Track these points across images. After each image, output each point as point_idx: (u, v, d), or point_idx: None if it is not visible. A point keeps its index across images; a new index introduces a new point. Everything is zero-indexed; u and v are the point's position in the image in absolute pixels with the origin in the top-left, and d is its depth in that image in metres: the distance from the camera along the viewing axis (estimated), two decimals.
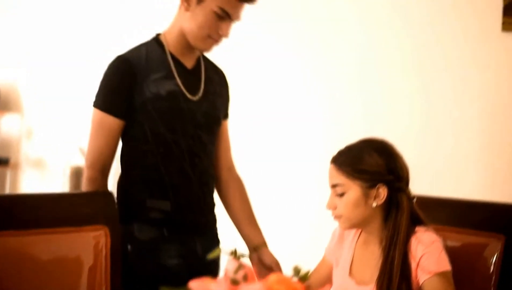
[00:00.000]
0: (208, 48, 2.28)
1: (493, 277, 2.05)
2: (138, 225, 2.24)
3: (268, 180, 3.44)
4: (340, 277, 2.03)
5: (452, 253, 1.95)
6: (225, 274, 1.17)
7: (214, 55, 2.35)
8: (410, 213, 1.93)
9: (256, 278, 1.20)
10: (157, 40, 2.33)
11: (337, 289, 2.02)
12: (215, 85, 2.37)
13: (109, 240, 2.10)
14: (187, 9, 2.23)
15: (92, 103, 2.30)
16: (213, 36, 2.23)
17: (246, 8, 2.22)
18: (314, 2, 3.32)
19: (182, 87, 2.26)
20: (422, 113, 3.00)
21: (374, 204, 1.91)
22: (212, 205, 2.36)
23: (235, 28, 2.23)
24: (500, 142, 2.81)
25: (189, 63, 2.31)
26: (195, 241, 2.28)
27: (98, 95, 2.29)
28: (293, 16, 3.40)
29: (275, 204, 3.42)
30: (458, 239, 2.13)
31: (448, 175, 2.86)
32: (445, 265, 1.88)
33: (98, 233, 2.10)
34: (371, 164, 1.90)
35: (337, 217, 1.95)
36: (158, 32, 2.34)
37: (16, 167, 4.67)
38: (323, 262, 2.13)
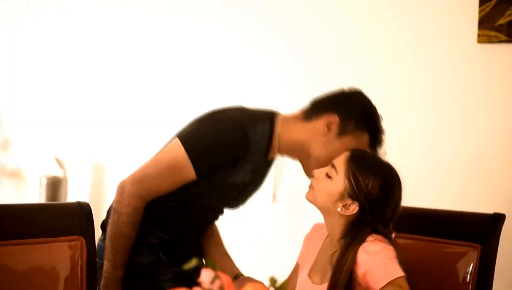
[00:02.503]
0: (310, 177, 2.14)
1: (470, 287, 2.06)
2: (137, 248, 2.19)
3: None
4: (301, 276, 2.05)
5: (429, 263, 1.97)
6: (201, 285, 1.16)
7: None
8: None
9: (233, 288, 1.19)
10: (271, 126, 2.16)
11: (297, 288, 2.04)
12: None
13: (85, 251, 2.08)
14: (324, 135, 2.12)
15: (182, 139, 2.12)
16: None
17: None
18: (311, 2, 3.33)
19: (251, 182, 2.23)
20: (400, 123, 3.00)
21: (339, 209, 1.92)
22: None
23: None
24: (475, 151, 2.82)
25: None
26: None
27: (196, 141, 2.12)
28: (290, 14, 3.40)
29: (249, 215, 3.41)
30: (435, 249, 2.14)
31: (424, 185, 2.87)
32: (395, 273, 1.85)
33: (74, 243, 2.07)
34: (367, 184, 1.90)
35: (311, 186, 1.99)
36: (276, 113, 2.20)
37: None
38: (296, 268, 2.14)
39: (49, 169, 4.16)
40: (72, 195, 4.10)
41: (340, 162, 1.95)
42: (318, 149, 2.13)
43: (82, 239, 2.08)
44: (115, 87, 3.97)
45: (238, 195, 2.26)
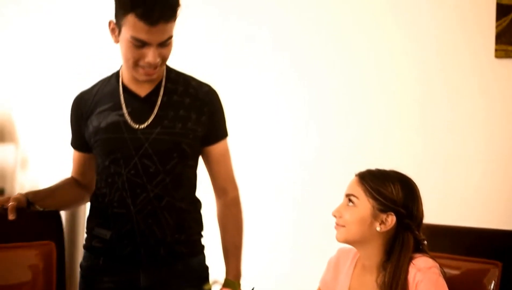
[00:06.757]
0: (142, 77, 2.21)
1: None
2: (84, 251, 2.34)
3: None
4: None
5: (450, 281, 1.95)
6: None
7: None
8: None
9: None
10: (118, 72, 2.34)
11: None
12: (180, 109, 2.27)
13: (55, 255, 2.24)
14: (116, 41, 2.21)
15: None
16: (141, 65, 2.17)
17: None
18: (312, 4, 3.33)
19: (126, 116, 2.24)
20: (417, 139, 2.99)
21: (378, 229, 1.92)
22: (168, 238, 2.26)
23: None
24: (493, 166, 2.80)
25: (143, 91, 2.27)
26: (138, 273, 2.26)
27: None
28: (289, 16, 3.40)
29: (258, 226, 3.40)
30: (456, 266, 2.12)
31: (444, 201, 2.85)
32: None
33: (46, 248, 2.24)
34: (391, 191, 1.94)
35: (339, 226, 1.97)
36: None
37: None
38: None
39: None
40: None
41: (354, 187, 1.97)
42: (122, 54, 2.20)
43: (53, 244, 2.25)
44: None
45: (125, 138, 2.24)
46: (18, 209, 2.22)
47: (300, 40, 3.35)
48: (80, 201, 2.55)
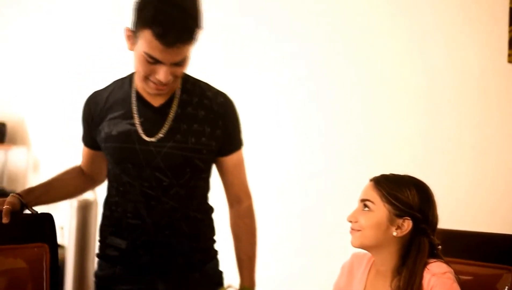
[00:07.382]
0: (152, 91, 2.15)
1: None
2: (99, 260, 2.34)
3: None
4: None
5: (463, 286, 1.95)
6: None
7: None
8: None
9: None
10: (132, 76, 2.27)
11: None
12: (195, 122, 2.22)
13: (48, 256, 2.25)
14: (130, 48, 2.14)
15: None
16: (152, 79, 2.11)
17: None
18: (313, 4, 3.33)
19: (138, 127, 2.19)
20: (425, 143, 2.99)
21: (395, 233, 1.93)
22: (185, 247, 2.26)
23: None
24: (506, 171, 2.80)
25: (157, 100, 2.22)
26: (156, 281, 2.26)
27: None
28: (289, 15, 3.41)
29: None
30: (469, 271, 2.12)
31: (457, 206, 2.85)
32: None
33: (39, 249, 2.25)
34: (407, 196, 1.94)
35: (355, 230, 1.97)
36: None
37: None
38: None
39: None
40: None
41: (369, 192, 1.97)
42: (134, 64, 2.14)
43: (46, 245, 2.26)
44: None
45: (137, 150, 2.19)
46: (12, 212, 2.19)
47: (300, 40, 3.36)
48: (82, 191, 2.53)
